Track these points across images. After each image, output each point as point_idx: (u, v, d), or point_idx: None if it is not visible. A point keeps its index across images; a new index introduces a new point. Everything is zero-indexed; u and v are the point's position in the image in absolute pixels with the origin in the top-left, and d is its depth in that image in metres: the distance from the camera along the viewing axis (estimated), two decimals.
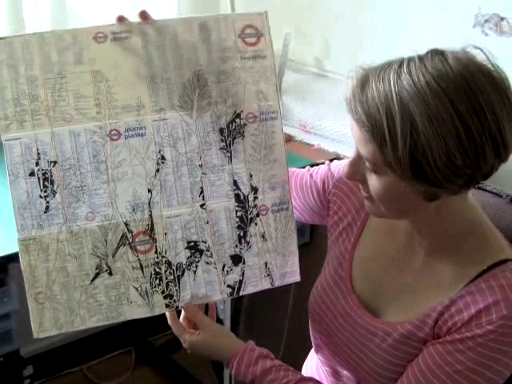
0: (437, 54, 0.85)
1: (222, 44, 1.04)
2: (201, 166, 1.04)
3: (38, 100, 0.98)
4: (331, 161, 1.18)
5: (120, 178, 1.01)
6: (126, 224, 1.02)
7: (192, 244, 1.05)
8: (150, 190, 1.03)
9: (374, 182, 0.90)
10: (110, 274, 1.02)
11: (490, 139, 0.82)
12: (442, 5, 1.70)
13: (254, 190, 1.07)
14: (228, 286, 1.07)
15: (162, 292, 1.04)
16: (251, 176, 1.06)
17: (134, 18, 1.01)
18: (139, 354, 2.29)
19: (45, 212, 0.99)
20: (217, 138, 1.05)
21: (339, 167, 1.13)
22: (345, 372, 1.07)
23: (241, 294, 1.07)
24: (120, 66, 1.00)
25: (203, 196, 1.05)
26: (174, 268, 1.04)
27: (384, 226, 1.04)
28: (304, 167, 1.21)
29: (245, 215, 1.06)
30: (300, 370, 1.20)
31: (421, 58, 0.85)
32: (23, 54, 0.98)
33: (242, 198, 1.06)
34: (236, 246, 1.06)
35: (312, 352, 1.20)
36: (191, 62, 1.03)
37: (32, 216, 0.99)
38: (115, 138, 1.01)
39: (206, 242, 1.05)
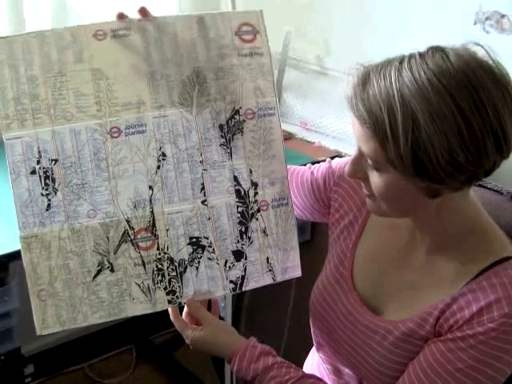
0: (437, 50, 0.85)
1: (219, 41, 1.04)
2: (201, 162, 1.05)
3: (39, 99, 0.98)
4: (332, 158, 1.18)
5: (121, 176, 1.01)
6: (128, 221, 1.02)
7: (194, 240, 1.05)
8: (151, 187, 1.03)
9: (375, 179, 0.90)
10: (112, 270, 1.02)
11: (492, 135, 0.82)
12: (442, 3, 1.70)
13: (255, 185, 1.07)
14: (230, 281, 1.07)
15: (165, 288, 1.04)
16: (251, 172, 1.07)
17: (134, 15, 1.01)
18: (140, 353, 2.29)
19: (46, 210, 0.99)
20: (217, 134, 1.05)
21: (340, 165, 1.13)
22: (346, 370, 1.07)
23: (243, 289, 1.08)
24: (120, 63, 1.01)
25: (204, 192, 1.05)
26: (177, 264, 1.04)
27: (385, 224, 1.04)
28: (305, 165, 1.21)
29: (246, 211, 1.06)
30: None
31: (421, 55, 0.85)
32: (23, 54, 0.98)
33: (242, 193, 1.06)
34: (238, 241, 1.06)
35: (313, 350, 1.20)
36: (190, 59, 1.03)
37: (34, 214, 0.99)
38: (116, 135, 1.01)
39: (207, 238, 1.05)
